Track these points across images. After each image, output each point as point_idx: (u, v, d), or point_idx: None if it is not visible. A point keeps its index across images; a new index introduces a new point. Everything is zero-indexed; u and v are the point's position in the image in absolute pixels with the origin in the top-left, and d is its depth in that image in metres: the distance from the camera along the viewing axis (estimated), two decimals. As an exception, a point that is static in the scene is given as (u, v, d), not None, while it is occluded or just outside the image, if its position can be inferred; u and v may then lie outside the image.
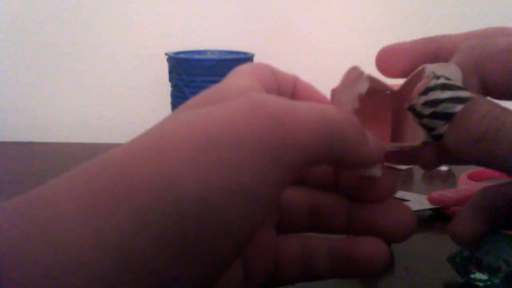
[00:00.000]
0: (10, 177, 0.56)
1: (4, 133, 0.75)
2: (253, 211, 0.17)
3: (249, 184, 0.17)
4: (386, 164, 0.23)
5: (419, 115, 0.20)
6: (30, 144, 0.70)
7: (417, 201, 0.45)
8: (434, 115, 0.20)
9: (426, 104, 0.20)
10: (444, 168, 0.57)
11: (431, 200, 0.43)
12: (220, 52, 0.62)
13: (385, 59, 0.24)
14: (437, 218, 0.44)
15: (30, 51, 0.75)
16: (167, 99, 0.59)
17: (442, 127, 0.20)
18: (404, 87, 0.21)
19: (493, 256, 0.31)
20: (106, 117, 0.77)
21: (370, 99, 0.22)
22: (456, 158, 0.21)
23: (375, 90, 0.22)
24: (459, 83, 0.20)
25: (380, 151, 0.21)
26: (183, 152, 0.16)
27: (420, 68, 0.21)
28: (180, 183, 0.16)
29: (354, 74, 0.21)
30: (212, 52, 0.62)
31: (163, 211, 0.15)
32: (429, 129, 0.20)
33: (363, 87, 0.21)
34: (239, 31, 0.73)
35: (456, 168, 0.57)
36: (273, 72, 0.23)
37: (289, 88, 0.24)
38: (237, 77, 0.22)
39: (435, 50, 0.23)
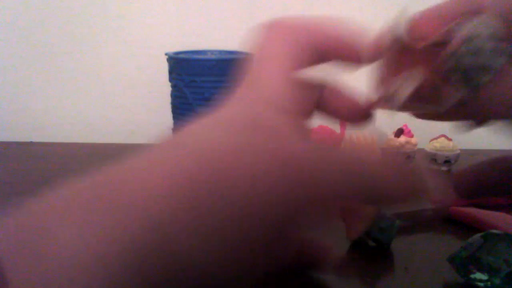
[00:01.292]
0: (10, 177, 0.56)
1: (4, 133, 0.75)
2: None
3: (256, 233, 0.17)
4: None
5: (456, 65, 0.18)
6: (30, 144, 0.70)
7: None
8: (476, 65, 0.18)
9: (468, 52, 0.18)
10: (444, 168, 0.57)
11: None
12: (220, 52, 0.61)
13: (419, 28, 0.22)
14: (437, 218, 0.44)
15: (30, 51, 0.75)
16: (167, 99, 0.59)
17: (483, 77, 0.18)
18: (429, 47, 0.20)
19: (493, 256, 0.31)
20: (106, 117, 0.77)
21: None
22: (479, 117, 0.20)
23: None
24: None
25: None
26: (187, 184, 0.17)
27: (446, 28, 0.19)
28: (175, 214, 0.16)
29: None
30: (212, 52, 0.61)
31: (149, 241, 0.16)
32: (466, 79, 0.18)
33: (402, 28, 0.21)
34: (239, 31, 0.73)
35: (456, 168, 0.57)
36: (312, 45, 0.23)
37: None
38: (269, 71, 0.22)
39: (477, 12, 0.21)
